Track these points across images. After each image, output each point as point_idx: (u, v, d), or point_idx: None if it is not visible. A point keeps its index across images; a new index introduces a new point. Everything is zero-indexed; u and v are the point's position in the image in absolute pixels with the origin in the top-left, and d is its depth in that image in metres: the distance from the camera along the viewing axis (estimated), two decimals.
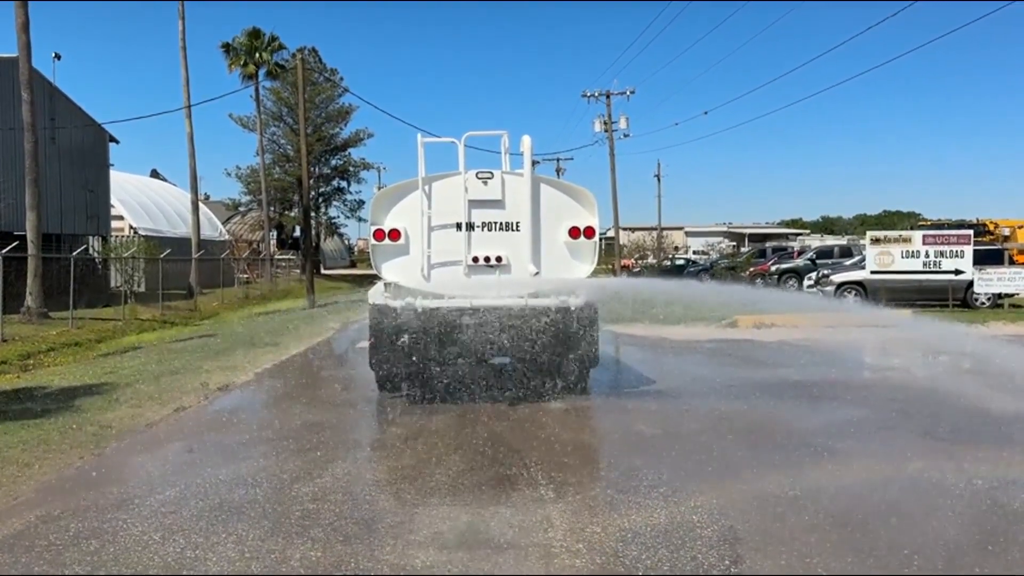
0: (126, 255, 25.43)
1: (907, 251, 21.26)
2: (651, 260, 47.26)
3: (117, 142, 34.47)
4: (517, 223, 9.15)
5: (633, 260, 48.97)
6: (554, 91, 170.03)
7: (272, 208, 49.56)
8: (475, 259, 9.13)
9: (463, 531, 4.95)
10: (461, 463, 6.52)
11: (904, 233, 22.86)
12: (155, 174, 59.08)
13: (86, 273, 25.22)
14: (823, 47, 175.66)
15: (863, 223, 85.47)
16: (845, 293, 22.09)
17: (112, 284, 27.69)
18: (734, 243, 58.63)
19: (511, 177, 9.31)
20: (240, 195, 56.46)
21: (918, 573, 4.28)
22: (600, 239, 9.72)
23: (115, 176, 35.44)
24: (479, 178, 9.15)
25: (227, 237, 48.70)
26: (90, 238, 31.84)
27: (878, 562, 4.39)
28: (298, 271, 45.45)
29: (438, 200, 9.16)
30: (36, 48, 21.24)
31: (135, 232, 35.47)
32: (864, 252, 22.93)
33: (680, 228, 71.16)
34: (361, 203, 58.10)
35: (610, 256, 43.81)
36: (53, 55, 33.11)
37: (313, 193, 51.16)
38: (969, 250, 20.91)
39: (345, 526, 5.04)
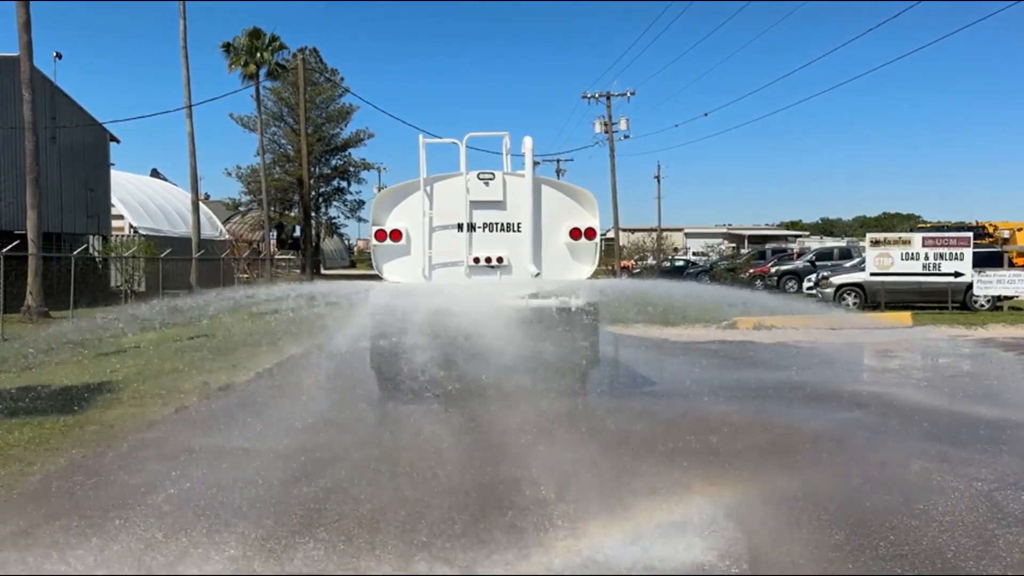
0: (126, 254, 25.51)
1: (907, 253, 21.29)
2: (651, 261, 47.22)
3: (118, 141, 34.57)
4: (518, 224, 9.16)
5: (633, 261, 48.98)
6: (555, 92, 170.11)
7: (272, 208, 49.61)
8: (476, 260, 9.15)
9: (464, 531, 4.96)
10: (462, 463, 6.54)
11: (904, 235, 22.90)
12: (155, 174, 59.04)
13: (86, 272, 25.24)
14: (824, 49, 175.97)
15: (863, 225, 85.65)
16: (845, 295, 22.13)
17: (112, 283, 27.76)
18: (734, 244, 58.57)
19: (512, 178, 9.32)
20: (240, 195, 56.66)
21: (918, 573, 4.30)
22: (600, 240, 9.74)
23: (115, 175, 35.48)
24: (480, 179, 9.17)
25: (227, 237, 48.75)
26: (90, 237, 31.86)
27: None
28: (298, 271, 45.45)
29: (439, 201, 9.18)
30: (37, 47, 21.35)
31: (135, 231, 35.55)
32: (864, 254, 22.97)
33: (680, 229, 71.12)
34: (361, 203, 58.31)
35: (610, 257, 43.83)
36: (54, 54, 33.10)
37: (313, 193, 51.24)
38: (969, 252, 20.95)
39: (347, 526, 5.06)
